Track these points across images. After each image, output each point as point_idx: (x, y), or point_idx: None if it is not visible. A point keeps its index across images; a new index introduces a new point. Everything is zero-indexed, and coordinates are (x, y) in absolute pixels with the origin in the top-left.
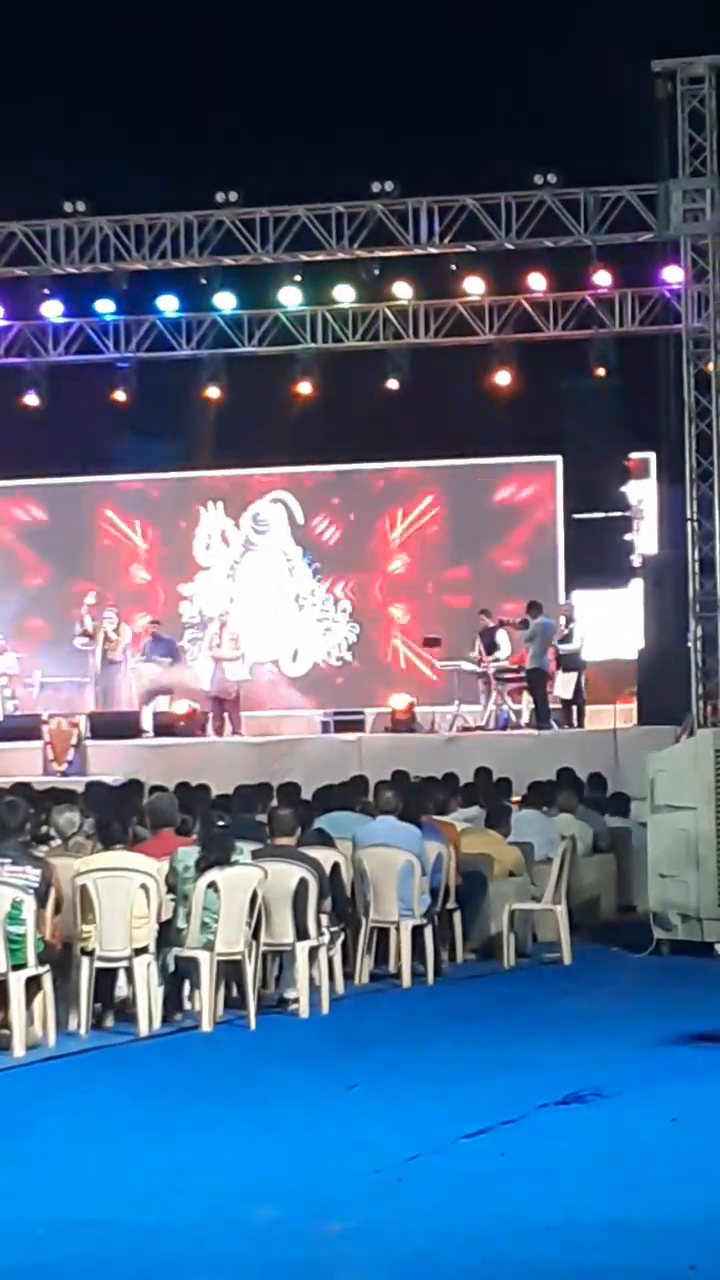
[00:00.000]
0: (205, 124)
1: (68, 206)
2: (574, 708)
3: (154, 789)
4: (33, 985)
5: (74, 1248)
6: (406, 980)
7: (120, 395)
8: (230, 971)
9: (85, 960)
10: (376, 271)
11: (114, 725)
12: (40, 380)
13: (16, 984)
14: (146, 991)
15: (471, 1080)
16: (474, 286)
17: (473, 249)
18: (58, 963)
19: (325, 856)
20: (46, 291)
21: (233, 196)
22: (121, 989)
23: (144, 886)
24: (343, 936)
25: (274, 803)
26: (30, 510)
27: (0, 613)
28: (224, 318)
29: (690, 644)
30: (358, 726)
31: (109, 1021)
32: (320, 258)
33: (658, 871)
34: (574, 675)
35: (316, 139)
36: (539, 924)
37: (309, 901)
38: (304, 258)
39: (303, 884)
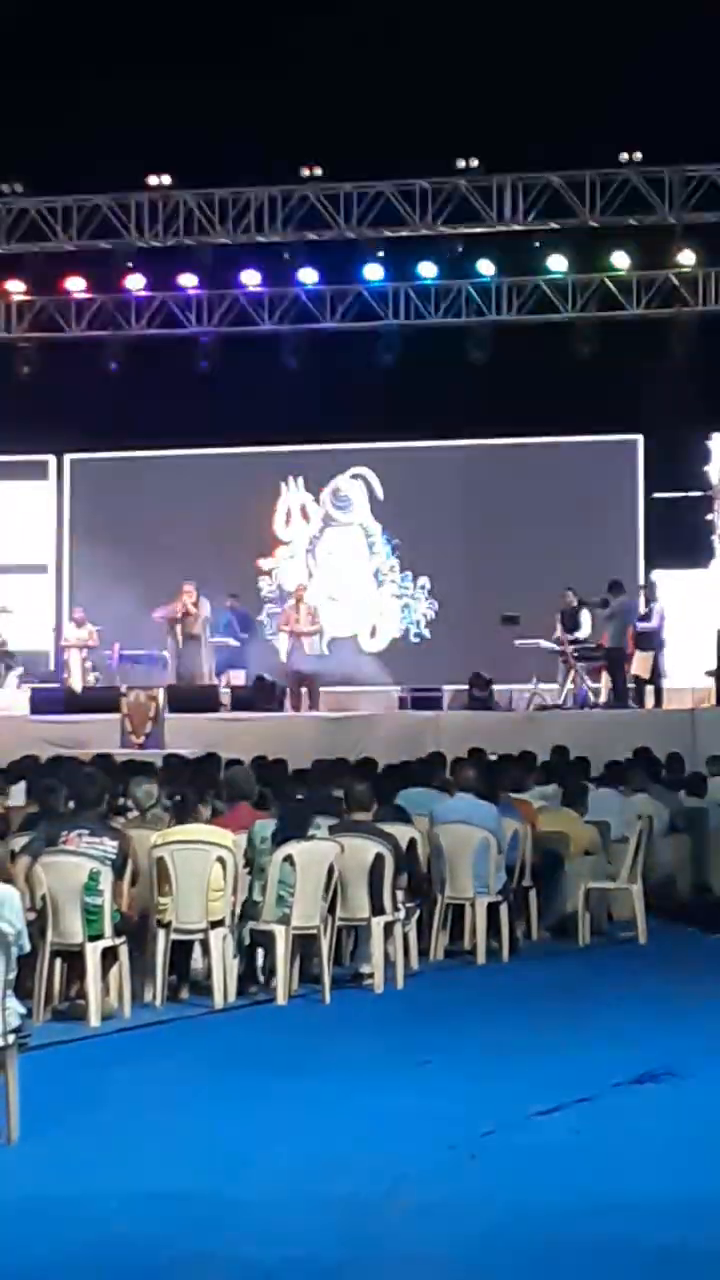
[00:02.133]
0: (290, 98)
1: (152, 180)
2: (651, 687)
3: (230, 763)
4: (109, 956)
5: (147, 1219)
6: (481, 957)
7: (202, 369)
8: (305, 945)
9: (161, 932)
10: (459, 248)
11: (192, 698)
12: (122, 354)
13: (93, 955)
14: (222, 964)
15: (546, 1057)
16: (557, 264)
17: (556, 226)
18: (134, 934)
19: (402, 832)
20: (129, 265)
21: (317, 171)
22: (197, 961)
23: (221, 859)
24: (418, 912)
25: (350, 778)
26: (109, 484)
27: (80, 585)
28: (306, 292)
29: None
30: (435, 703)
31: (184, 994)
32: (403, 233)
33: None
34: (651, 654)
35: (402, 114)
36: (615, 903)
37: (385, 877)
38: (387, 233)
39: (379, 859)
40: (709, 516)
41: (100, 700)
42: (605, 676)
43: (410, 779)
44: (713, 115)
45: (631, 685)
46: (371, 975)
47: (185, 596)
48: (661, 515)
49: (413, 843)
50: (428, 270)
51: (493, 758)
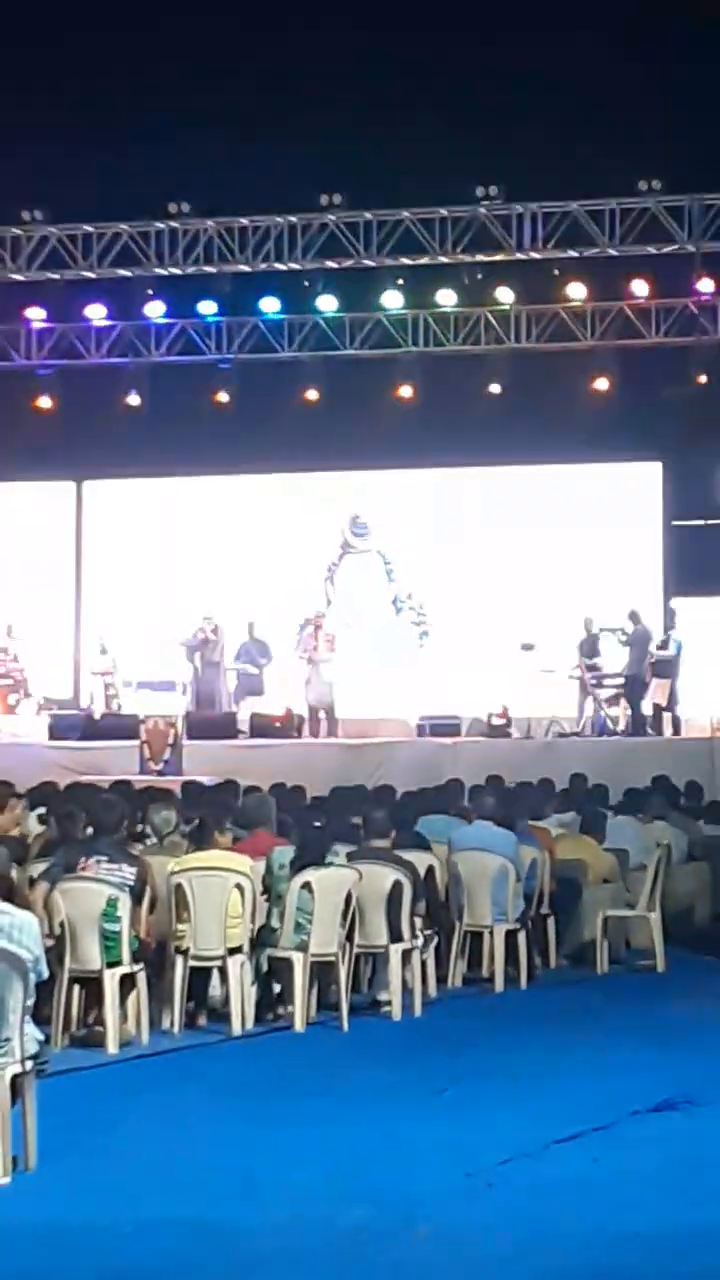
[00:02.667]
0: (310, 127)
1: (172, 208)
2: (669, 714)
3: (248, 789)
4: (127, 983)
5: (163, 1246)
6: (499, 984)
7: (221, 396)
8: (323, 973)
9: (179, 959)
10: (479, 276)
11: (210, 725)
12: (142, 380)
13: (111, 981)
14: (240, 991)
15: (564, 1085)
16: (576, 292)
17: (575, 254)
18: (152, 961)
19: (420, 859)
20: (150, 292)
21: (336, 199)
22: (215, 988)
23: (239, 886)
24: (436, 940)
25: (369, 805)
26: (129, 510)
27: (99, 612)
28: (326, 320)
29: None
30: (453, 731)
31: (202, 1020)
32: (423, 261)
33: None
34: (669, 682)
35: (421, 144)
36: (633, 931)
37: (403, 904)
38: (406, 261)
39: (397, 886)
40: None
41: (119, 727)
42: (623, 704)
43: (428, 806)
44: None
45: (649, 713)
46: (389, 1002)
47: (204, 624)
48: (680, 543)
49: (431, 870)
50: (447, 298)
51: (511, 785)
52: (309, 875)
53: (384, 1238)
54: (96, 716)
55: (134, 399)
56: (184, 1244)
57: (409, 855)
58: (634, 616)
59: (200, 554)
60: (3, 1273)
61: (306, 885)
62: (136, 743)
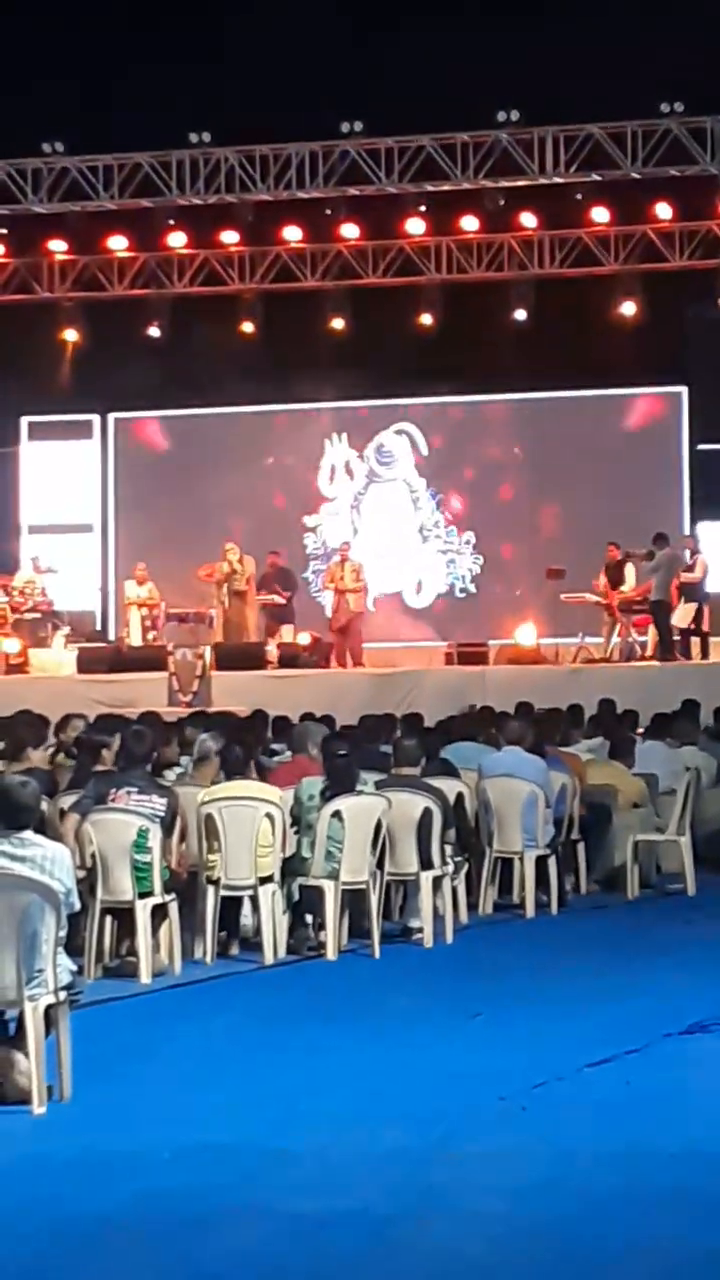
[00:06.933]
0: (330, 54)
1: (193, 137)
2: (697, 639)
3: (277, 719)
4: (159, 913)
5: (200, 1172)
6: (530, 910)
7: (245, 327)
8: (354, 901)
9: (211, 889)
10: (501, 202)
11: (239, 656)
12: (164, 312)
13: (143, 912)
14: (271, 920)
15: (595, 1009)
16: (600, 216)
17: (598, 178)
18: (184, 891)
19: (449, 787)
20: (171, 222)
21: (357, 126)
22: (246, 918)
23: (269, 815)
24: (466, 866)
25: (398, 733)
26: (154, 442)
27: (125, 545)
28: (348, 248)
29: None
30: (481, 659)
31: (234, 950)
32: (445, 188)
33: None
34: (694, 606)
35: (441, 68)
36: (663, 855)
37: (433, 831)
38: (429, 188)
39: (427, 814)
40: None
41: (147, 659)
42: (651, 629)
43: (457, 733)
44: None
45: (677, 637)
46: (421, 930)
47: (229, 555)
48: (705, 467)
49: (460, 797)
50: (469, 224)
51: (539, 711)
52: (339, 804)
53: (418, 1161)
54: (124, 649)
55: (156, 330)
56: (222, 1169)
57: (438, 783)
58: (660, 541)
59: (225, 485)
60: (42, 1201)
61: (337, 814)
62: (165, 675)
